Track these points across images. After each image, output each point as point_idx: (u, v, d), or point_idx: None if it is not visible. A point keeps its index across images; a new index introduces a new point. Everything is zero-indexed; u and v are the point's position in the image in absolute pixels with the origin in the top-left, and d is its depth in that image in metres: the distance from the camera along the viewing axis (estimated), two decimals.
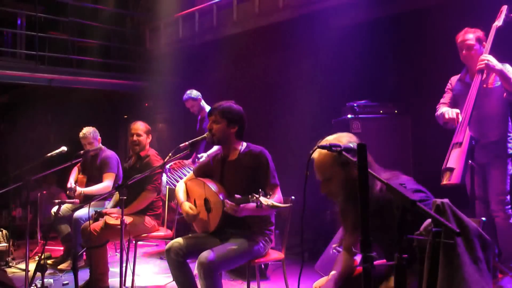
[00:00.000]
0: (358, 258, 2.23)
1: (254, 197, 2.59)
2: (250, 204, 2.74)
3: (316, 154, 2.07)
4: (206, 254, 2.78)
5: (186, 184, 3.29)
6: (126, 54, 8.92)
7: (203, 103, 5.51)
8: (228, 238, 2.98)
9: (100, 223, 3.81)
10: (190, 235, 3.13)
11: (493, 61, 3.27)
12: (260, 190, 2.62)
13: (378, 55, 5.10)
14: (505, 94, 3.38)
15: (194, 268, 3.07)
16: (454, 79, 3.66)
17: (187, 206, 3.11)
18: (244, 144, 3.13)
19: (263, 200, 2.59)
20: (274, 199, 2.83)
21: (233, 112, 3.05)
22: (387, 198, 1.91)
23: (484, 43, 3.44)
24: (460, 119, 3.29)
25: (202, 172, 3.25)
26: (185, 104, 5.51)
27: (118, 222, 3.71)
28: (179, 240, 3.01)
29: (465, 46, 3.44)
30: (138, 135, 4.22)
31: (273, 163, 3.02)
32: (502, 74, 3.27)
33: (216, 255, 2.78)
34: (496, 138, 3.43)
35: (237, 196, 2.77)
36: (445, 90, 3.69)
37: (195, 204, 3.17)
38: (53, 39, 8.29)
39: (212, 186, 3.01)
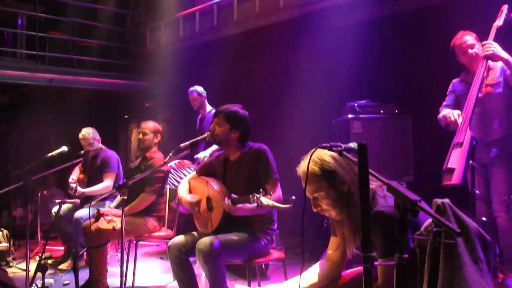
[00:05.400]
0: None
1: (255, 197, 2.60)
2: (246, 205, 2.75)
3: (301, 173, 1.99)
4: (205, 240, 2.79)
5: (189, 183, 3.30)
6: (127, 54, 8.92)
7: (206, 102, 5.56)
8: None
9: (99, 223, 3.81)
10: (192, 232, 3.12)
11: (498, 48, 3.26)
12: (261, 190, 2.62)
13: (378, 54, 5.10)
14: None
15: (195, 267, 3.07)
16: (455, 81, 3.67)
17: (187, 197, 3.12)
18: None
19: (264, 200, 2.60)
20: (275, 196, 2.84)
21: (237, 118, 3.03)
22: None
23: (481, 43, 3.45)
24: (461, 120, 3.28)
25: (205, 171, 3.25)
26: (188, 96, 5.54)
27: (110, 226, 3.74)
28: (181, 237, 3.02)
29: (468, 47, 3.44)
30: (144, 133, 4.22)
31: (273, 158, 3.02)
32: (508, 63, 3.26)
33: (216, 241, 2.78)
34: (499, 136, 3.42)
35: (234, 196, 2.78)
36: (447, 93, 3.69)
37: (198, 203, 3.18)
38: (53, 39, 8.28)
39: (215, 185, 3.02)
